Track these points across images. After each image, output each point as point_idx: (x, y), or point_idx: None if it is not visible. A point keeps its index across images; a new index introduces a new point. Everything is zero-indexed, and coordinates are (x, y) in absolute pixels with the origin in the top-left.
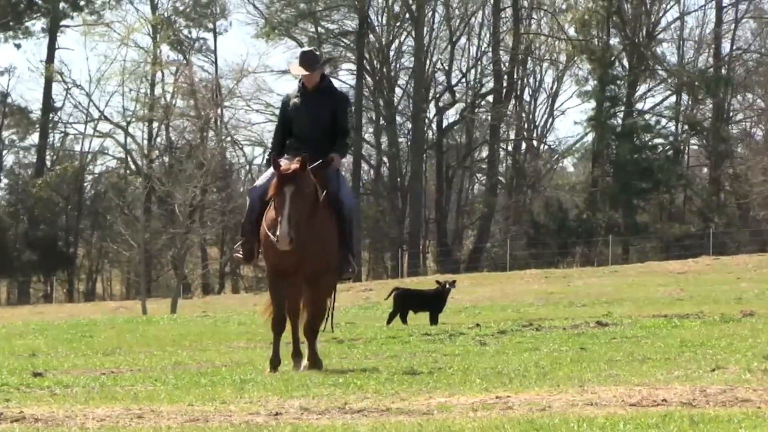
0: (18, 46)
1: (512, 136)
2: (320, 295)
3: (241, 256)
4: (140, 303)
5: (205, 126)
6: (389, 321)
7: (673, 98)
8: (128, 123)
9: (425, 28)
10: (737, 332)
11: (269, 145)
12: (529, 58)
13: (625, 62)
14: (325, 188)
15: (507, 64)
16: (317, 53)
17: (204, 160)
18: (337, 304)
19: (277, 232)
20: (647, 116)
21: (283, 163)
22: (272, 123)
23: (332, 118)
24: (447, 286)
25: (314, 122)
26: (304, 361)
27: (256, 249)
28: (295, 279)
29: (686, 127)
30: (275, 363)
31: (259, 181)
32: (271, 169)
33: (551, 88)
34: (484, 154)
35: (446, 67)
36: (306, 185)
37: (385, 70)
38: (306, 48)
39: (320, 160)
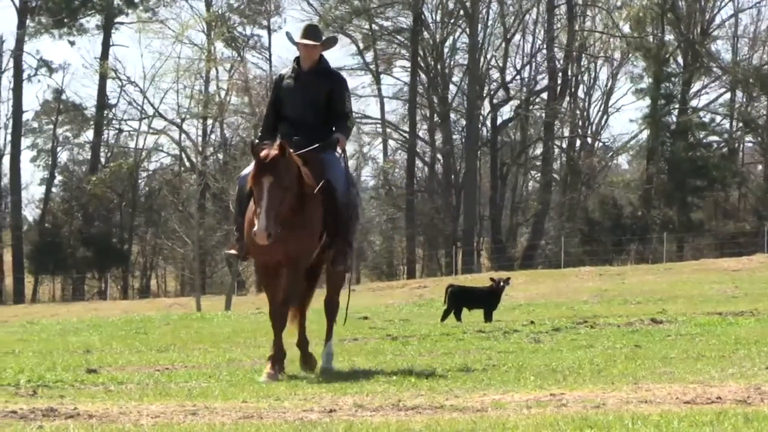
0: (72, 43)
1: (567, 133)
2: (296, 281)
3: (234, 252)
4: (194, 300)
5: (259, 123)
6: (443, 318)
7: (728, 95)
8: (183, 120)
9: (479, 25)
10: None
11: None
12: (583, 55)
13: (680, 59)
14: (320, 175)
15: (561, 61)
16: (320, 29)
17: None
18: (392, 301)
19: (255, 228)
20: (702, 114)
21: (264, 149)
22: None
23: (328, 101)
24: (501, 283)
25: (308, 105)
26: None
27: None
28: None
29: (741, 124)
30: (279, 357)
31: (246, 170)
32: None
33: (606, 85)
34: (539, 151)
35: (500, 64)
36: (287, 174)
37: (439, 67)
38: (310, 22)
39: (314, 145)
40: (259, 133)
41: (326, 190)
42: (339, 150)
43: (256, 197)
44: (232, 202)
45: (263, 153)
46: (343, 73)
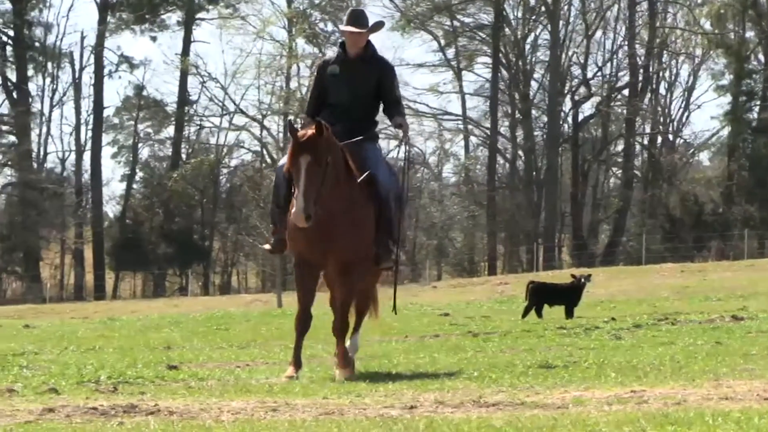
0: (154, 39)
1: (648, 129)
2: (353, 289)
3: (269, 247)
4: (275, 296)
5: None
6: (524, 315)
7: None
8: (264, 116)
9: (561, 21)
10: None
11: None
12: (664, 51)
13: (761, 56)
14: (363, 168)
15: (642, 58)
16: (367, 14)
17: None
18: (473, 297)
19: (293, 210)
20: None
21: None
22: (408, 116)
23: (376, 89)
24: (582, 280)
25: (354, 93)
26: (346, 372)
27: (287, 237)
28: (327, 270)
29: None
30: (296, 365)
31: (284, 159)
32: None
33: (687, 82)
34: (620, 147)
35: (582, 61)
36: (326, 152)
37: (520, 63)
38: (355, 7)
39: (357, 136)
40: (301, 123)
41: (369, 183)
42: (401, 134)
43: (294, 178)
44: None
45: (300, 132)
46: (425, 70)
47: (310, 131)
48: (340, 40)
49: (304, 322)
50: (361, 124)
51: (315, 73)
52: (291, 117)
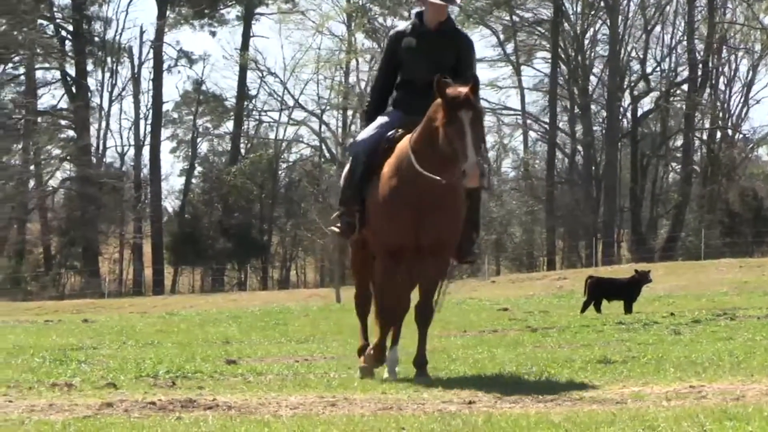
0: (213, 34)
1: (707, 125)
2: (443, 271)
3: (338, 229)
4: (334, 291)
5: None
6: (583, 310)
7: None
8: (323, 111)
9: (620, 17)
10: None
11: (367, 97)
12: (723, 46)
13: None
14: None
15: (702, 53)
16: None
17: None
18: (532, 292)
19: (466, 164)
20: None
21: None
22: None
23: (456, 64)
24: (642, 276)
25: (435, 67)
26: (397, 367)
27: (358, 220)
28: (410, 262)
29: None
30: (381, 357)
31: (363, 135)
32: (377, 123)
33: (746, 77)
34: (679, 142)
35: (641, 56)
36: (482, 113)
37: (579, 58)
38: None
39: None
40: (367, 99)
41: None
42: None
43: (452, 135)
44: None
45: (451, 90)
46: (484, 65)
47: (463, 89)
48: (415, 10)
49: (398, 317)
50: None
51: (388, 45)
52: (369, 102)
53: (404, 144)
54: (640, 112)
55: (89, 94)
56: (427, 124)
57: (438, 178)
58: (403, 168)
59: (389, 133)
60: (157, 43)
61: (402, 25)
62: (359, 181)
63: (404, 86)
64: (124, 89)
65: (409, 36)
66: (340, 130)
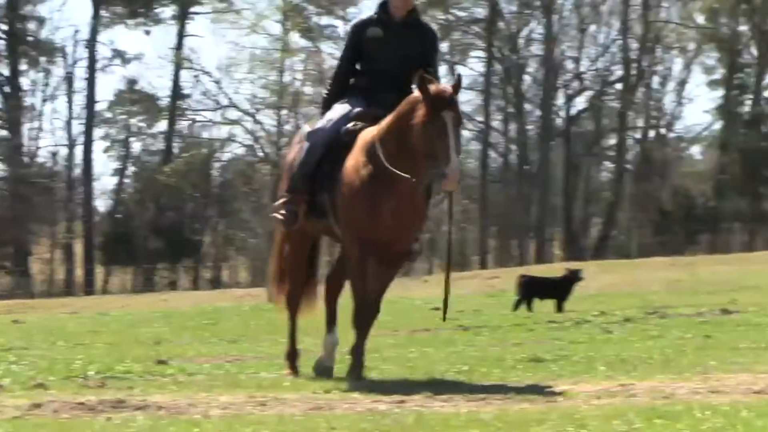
0: (147, 33)
1: (640, 123)
2: (392, 279)
3: (282, 217)
4: (266, 290)
5: None
6: (515, 308)
7: None
8: (257, 110)
9: (555, 16)
10: None
11: (326, 87)
12: (658, 46)
13: (754, 50)
14: None
15: (636, 52)
16: None
17: None
18: (464, 291)
19: (448, 167)
20: None
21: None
22: None
23: (421, 56)
24: (573, 274)
25: (401, 59)
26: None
27: (303, 211)
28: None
29: None
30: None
31: (322, 124)
32: (336, 112)
33: (680, 76)
34: (612, 141)
35: (575, 55)
36: (461, 115)
37: (514, 57)
38: None
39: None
40: (326, 89)
41: None
42: None
43: (433, 135)
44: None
45: (434, 87)
46: None
47: (445, 87)
48: (380, 2)
49: (371, 315)
50: (402, 96)
51: (351, 34)
52: (328, 92)
53: (369, 137)
54: (573, 111)
55: (22, 93)
56: (400, 120)
57: (407, 176)
58: (372, 162)
59: (348, 125)
60: (91, 43)
61: (365, 14)
62: (312, 171)
63: (367, 75)
64: (57, 89)
65: (374, 25)
66: (274, 129)
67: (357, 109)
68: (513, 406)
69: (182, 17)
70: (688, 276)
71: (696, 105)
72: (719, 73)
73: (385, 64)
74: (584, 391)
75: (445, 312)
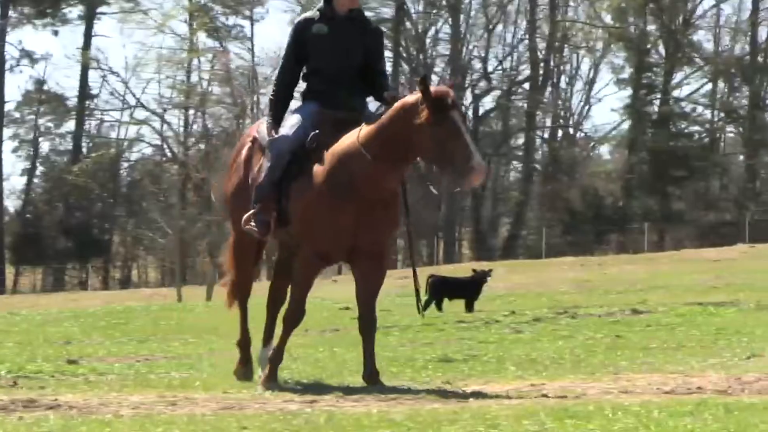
0: (56, 33)
1: (548, 123)
2: (379, 287)
3: (255, 228)
4: (175, 290)
5: (241, 113)
6: (424, 308)
7: (709, 86)
8: (164, 110)
9: (462, 16)
10: None
11: (272, 87)
12: (565, 45)
13: (662, 50)
14: None
15: (543, 52)
16: None
17: None
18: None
19: (474, 161)
20: (683, 104)
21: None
22: None
23: (365, 55)
24: (483, 274)
25: (348, 57)
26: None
27: (274, 220)
28: (357, 266)
29: (722, 114)
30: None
31: (286, 130)
32: (297, 118)
33: (588, 76)
34: (521, 141)
35: (483, 55)
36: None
37: (421, 57)
38: None
39: (382, 105)
40: (272, 90)
41: None
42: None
43: (444, 135)
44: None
45: (436, 89)
46: None
47: (446, 88)
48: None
49: (300, 318)
50: (358, 93)
51: (295, 32)
52: (274, 93)
53: (348, 143)
54: (481, 111)
55: None
56: (393, 124)
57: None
58: (350, 167)
59: (313, 132)
60: (0, 43)
61: (309, 12)
62: (279, 179)
63: (316, 76)
64: None
65: (318, 23)
66: (181, 129)
67: (318, 113)
68: (424, 406)
69: (90, 17)
70: (597, 276)
71: (604, 104)
72: (627, 73)
73: (333, 62)
74: (495, 391)
75: (419, 305)
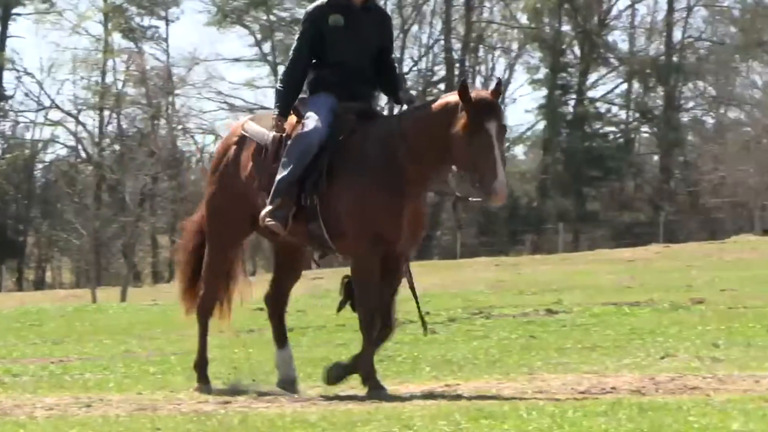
0: None
1: None
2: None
3: (276, 223)
4: (90, 291)
5: (157, 114)
6: (339, 309)
7: (625, 86)
8: (79, 111)
9: None
10: (687, 320)
11: (282, 76)
12: (480, 46)
13: (577, 50)
14: None
15: (459, 52)
16: None
17: (155, 149)
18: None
19: (496, 182)
20: (598, 104)
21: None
22: (224, 111)
23: (382, 47)
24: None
25: (365, 50)
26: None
27: (292, 215)
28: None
29: (637, 114)
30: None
31: (313, 123)
32: (318, 109)
33: (503, 76)
34: None
35: (398, 55)
36: (504, 124)
37: None
38: None
39: (410, 99)
40: (281, 80)
41: None
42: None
43: (478, 146)
44: (129, 194)
45: (476, 94)
46: (241, 65)
47: (486, 94)
48: None
49: (375, 323)
50: (372, 87)
51: (309, 21)
52: (282, 87)
53: (384, 132)
54: (396, 111)
55: None
56: (433, 124)
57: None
58: (389, 157)
59: (345, 124)
60: None
61: (320, 0)
62: (303, 174)
63: (329, 68)
64: None
65: (333, 12)
66: (96, 130)
67: (336, 105)
68: (339, 407)
69: (5, 18)
70: (512, 276)
71: (519, 105)
72: (542, 73)
73: (349, 54)
74: (410, 392)
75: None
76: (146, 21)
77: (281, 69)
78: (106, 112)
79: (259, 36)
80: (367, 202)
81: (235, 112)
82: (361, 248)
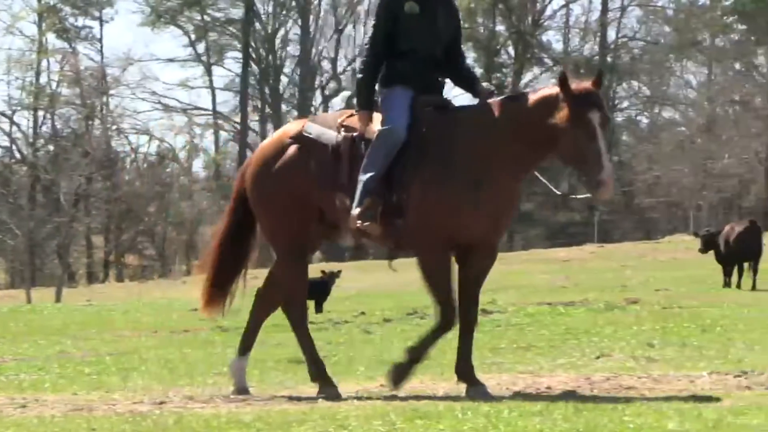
0: None
1: None
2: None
3: (370, 223)
4: (25, 292)
5: (91, 114)
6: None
7: None
8: (13, 111)
9: (311, 16)
10: (621, 320)
11: (360, 67)
12: None
13: (511, 50)
14: None
15: None
16: None
17: (89, 149)
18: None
19: (603, 173)
20: None
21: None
22: (158, 111)
23: (454, 37)
24: (331, 275)
25: (439, 39)
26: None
27: (379, 213)
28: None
29: None
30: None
31: (395, 118)
32: (398, 107)
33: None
34: None
35: (332, 55)
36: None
37: (270, 58)
38: None
39: (490, 91)
40: (360, 71)
41: None
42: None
43: (582, 138)
44: (63, 194)
45: (578, 85)
46: (175, 65)
47: (588, 85)
48: None
49: (452, 323)
50: (440, 76)
51: (386, 8)
52: (362, 77)
53: (483, 125)
54: (330, 112)
55: None
56: (531, 114)
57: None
58: (493, 151)
59: (433, 117)
60: None
61: None
62: (390, 169)
63: (404, 58)
64: None
65: (408, 0)
66: (30, 130)
67: (415, 99)
68: (274, 407)
69: None
70: None
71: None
72: (477, 73)
73: (423, 43)
74: (345, 392)
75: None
76: (80, 21)
77: (215, 69)
78: (41, 113)
79: (193, 36)
80: (461, 195)
81: (170, 112)
82: (433, 253)
